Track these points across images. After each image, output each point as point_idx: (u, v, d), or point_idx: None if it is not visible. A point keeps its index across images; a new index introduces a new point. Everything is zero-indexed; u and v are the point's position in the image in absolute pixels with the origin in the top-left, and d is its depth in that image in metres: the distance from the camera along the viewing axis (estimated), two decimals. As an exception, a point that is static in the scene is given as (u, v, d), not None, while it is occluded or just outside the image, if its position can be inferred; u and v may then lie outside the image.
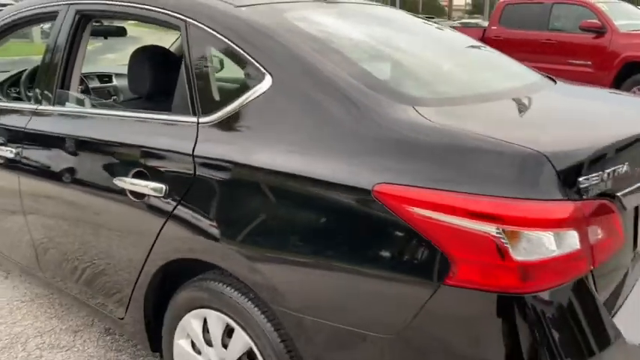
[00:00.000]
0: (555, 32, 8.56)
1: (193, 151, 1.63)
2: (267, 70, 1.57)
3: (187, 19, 1.77)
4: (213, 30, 1.70)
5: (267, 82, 1.56)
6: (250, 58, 1.61)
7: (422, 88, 1.69)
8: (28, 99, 2.42)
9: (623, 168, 1.36)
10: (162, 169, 1.72)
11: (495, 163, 1.23)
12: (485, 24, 10.34)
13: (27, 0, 2.47)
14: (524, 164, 1.22)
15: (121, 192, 1.82)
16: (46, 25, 2.29)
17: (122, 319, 2.04)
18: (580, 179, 1.24)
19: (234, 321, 1.61)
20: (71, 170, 2.04)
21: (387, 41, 2.02)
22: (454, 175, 1.24)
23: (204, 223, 1.60)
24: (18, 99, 2.90)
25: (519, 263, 1.18)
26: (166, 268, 1.77)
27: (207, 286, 1.68)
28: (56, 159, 2.10)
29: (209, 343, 1.74)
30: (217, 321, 1.68)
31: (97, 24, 2.81)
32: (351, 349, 1.38)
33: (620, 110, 1.79)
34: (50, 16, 2.30)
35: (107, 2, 2.08)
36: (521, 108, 1.63)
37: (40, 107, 2.24)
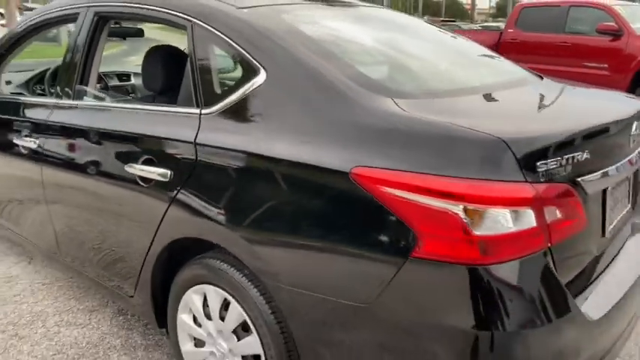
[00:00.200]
0: (572, 35, 8.57)
1: (195, 139, 1.79)
2: (262, 66, 1.71)
3: (193, 20, 1.93)
4: (215, 29, 1.86)
5: (262, 76, 1.71)
6: (247, 55, 1.76)
7: (403, 82, 1.83)
8: (51, 94, 2.60)
9: (583, 155, 1.47)
10: (167, 156, 1.88)
11: (460, 148, 1.36)
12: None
13: (53, 2, 2.67)
14: (485, 149, 1.34)
15: (132, 178, 1.98)
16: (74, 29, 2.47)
17: (132, 297, 2.20)
18: (538, 164, 1.36)
19: (230, 295, 1.76)
20: (87, 159, 2.21)
21: (376, 39, 2.16)
22: (423, 159, 1.37)
23: (204, 204, 1.75)
24: (42, 95, 3.11)
25: (479, 238, 1.30)
26: (171, 248, 1.93)
27: (207, 263, 1.83)
28: (74, 148, 2.29)
29: (208, 317, 1.89)
30: (215, 295, 1.83)
31: (117, 25, 3.02)
32: (331, 316, 1.51)
33: (591, 104, 1.89)
34: (72, 18, 2.49)
35: (122, 4, 2.25)
36: (496, 101, 1.75)
37: (61, 101, 2.42)
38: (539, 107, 1.83)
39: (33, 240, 2.77)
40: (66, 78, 2.43)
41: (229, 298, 1.78)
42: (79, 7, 2.42)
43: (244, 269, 1.71)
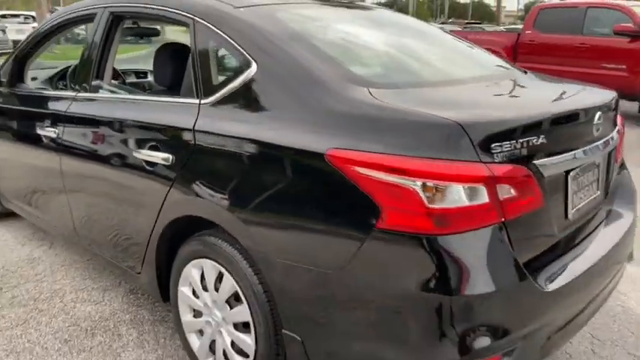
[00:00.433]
0: (589, 36, 8.57)
1: (194, 126, 1.97)
2: (253, 59, 1.89)
3: (195, 18, 2.12)
4: (213, 26, 2.04)
5: (253, 68, 1.88)
6: (241, 49, 1.93)
7: (380, 74, 1.99)
8: (71, 89, 2.82)
9: (539, 140, 1.60)
10: (169, 141, 2.07)
11: (422, 131, 1.51)
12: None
13: (73, 4, 2.90)
14: (444, 132, 1.49)
15: (139, 163, 2.18)
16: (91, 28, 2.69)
17: (139, 273, 2.40)
18: (493, 146, 1.50)
19: (224, 267, 1.94)
20: (100, 147, 2.42)
21: (360, 35, 2.32)
22: (389, 141, 1.52)
23: (200, 185, 1.93)
24: (63, 89, 3.34)
25: (435, 211, 1.45)
26: (173, 226, 2.11)
27: (204, 239, 2.01)
28: (89, 137, 2.50)
29: (205, 289, 2.07)
30: (211, 269, 2.01)
31: (135, 26, 3.24)
32: (308, 283, 1.67)
33: (557, 95, 2.01)
34: (89, 18, 2.71)
35: (134, 4, 2.46)
36: (465, 92, 1.89)
37: (79, 94, 2.64)
38: (506, 97, 1.97)
39: (53, 224, 3.00)
40: (83, 73, 2.65)
41: (223, 270, 1.95)
42: (96, 8, 2.64)
43: (236, 244, 1.89)
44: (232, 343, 2.00)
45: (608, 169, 2.12)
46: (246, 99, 1.90)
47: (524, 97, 2.03)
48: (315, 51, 1.89)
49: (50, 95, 2.95)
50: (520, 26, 18.22)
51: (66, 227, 2.86)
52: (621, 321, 2.71)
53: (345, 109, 1.64)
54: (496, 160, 1.51)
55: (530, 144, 1.59)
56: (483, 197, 1.48)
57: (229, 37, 1.99)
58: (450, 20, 40.52)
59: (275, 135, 1.73)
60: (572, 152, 1.76)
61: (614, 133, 2.12)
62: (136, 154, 2.18)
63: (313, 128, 1.66)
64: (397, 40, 2.39)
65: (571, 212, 1.82)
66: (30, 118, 2.95)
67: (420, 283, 1.47)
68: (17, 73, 3.25)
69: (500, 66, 2.42)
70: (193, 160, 1.97)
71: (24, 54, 3.22)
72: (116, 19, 2.56)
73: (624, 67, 8.17)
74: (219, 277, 1.99)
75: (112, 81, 2.70)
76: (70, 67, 3.46)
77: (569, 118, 1.77)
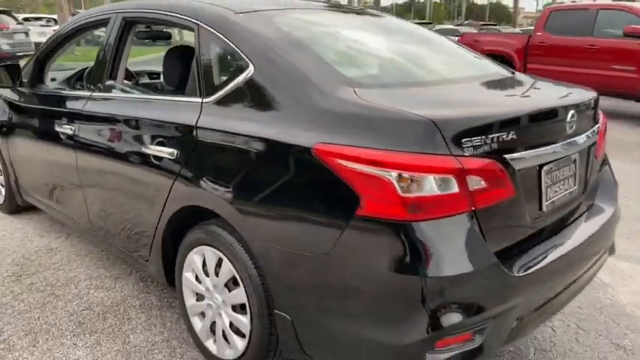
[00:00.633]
0: (600, 38, 8.60)
1: (196, 123, 2.13)
2: (250, 61, 2.05)
3: (199, 23, 2.28)
4: (215, 30, 2.20)
5: (250, 69, 2.04)
6: (240, 52, 2.09)
7: (367, 75, 2.13)
8: (87, 89, 3.01)
9: (509, 136, 1.74)
10: (174, 137, 2.24)
11: (398, 127, 1.65)
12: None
13: (90, 9, 3.09)
14: (418, 128, 1.63)
15: (148, 157, 2.35)
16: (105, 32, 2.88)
17: (147, 260, 2.57)
18: (463, 141, 1.64)
19: (223, 253, 2.10)
20: (112, 141, 2.60)
21: (353, 39, 2.47)
22: (369, 136, 1.67)
23: (201, 177, 2.10)
24: (81, 90, 3.53)
25: (409, 199, 1.59)
26: (178, 216, 2.28)
27: (206, 228, 2.18)
28: (102, 133, 2.68)
29: (206, 274, 2.23)
30: (212, 255, 2.17)
31: (147, 29, 3.43)
32: (297, 266, 1.82)
33: (533, 95, 2.14)
34: (104, 22, 2.89)
35: (145, 10, 2.65)
36: (445, 91, 2.03)
37: (94, 94, 2.82)
38: (483, 96, 2.10)
39: (70, 215, 3.19)
40: (98, 73, 2.84)
41: (222, 257, 2.12)
42: (110, 13, 2.83)
43: (234, 232, 2.05)
44: (231, 324, 2.16)
45: (587, 165, 2.23)
46: (244, 98, 2.05)
47: (501, 96, 2.16)
48: (307, 53, 2.05)
49: (68, 95, 3.15)
50: (530, 27, 18.23)
51: (81, 218, 3.04)
52: (608, 313, 2.81)
53: (331, 107, 1.79)
54: (466, 154, 1.64)
55: (501, 139, 1.72)
56: (453, 187, 1.62)
57: (229, 40, 2.15)
58: (467, 22, 40.47)
59: (269, 131, 1.88)
60: (544, 148, 1.89)
61: (593, 131, 2.23)
62: (144, 149, 2.36)
63: (303, 125, 1.82)
64: (387, 43, 2.54)
65: (545, 204, 1.95)
66: (48, 116, 3.15)
67: (394, 265, 1.61)
68: (37, 74, 3.45)
69: (487, 68, 2.55)
70: (195, 154, 2.13)
71: (44, 56, 3.43)
72: (128, 23, 2.75)
73: (634, 68, 8.20)
74: (219, 263, 2.15)
75: (125, 81, 2.88)
76: (86, 68, 3.66)
77: (541, 115, 1.90)
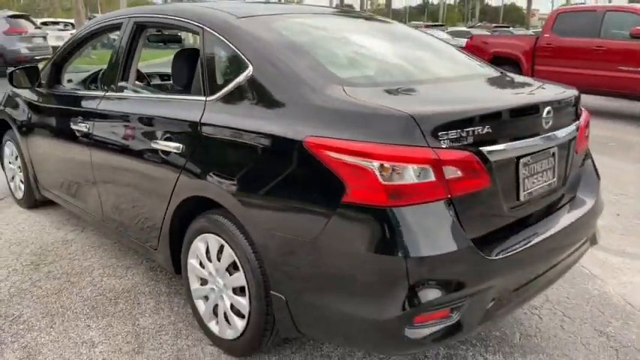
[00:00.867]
0: (606, 40, 8.67)
1: (200, 119, 2.31)
2: (250, 62, 2.22)
3: (204, 27, 2.46)
4: (218, 34, 2.38)
5: (249, 70, 2.21)
6: (240, 53, 2.26)
7: (356, 74, 2.29)
8: (101, 89, 3.20)
9: (484, 130, 1.88)
10: (181, 132, 2.41)
11: (381, 121, 1.81)
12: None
13: (104, 14, 3.29)
14: (399, 122, 1.78)
15: (156, 152, 2.53)
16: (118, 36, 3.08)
17: (156, 249, 2.75)
18: (440, 134, 1.79)
19: (224, 240, 2.27)
20: (124, 137, 2.79)
21: (347, 41, 2.63)
22: (355, 130, 1.83)
23: (204, 169, 2.27)
24: (95, 90, 3.74)
25: (389, 187, 1.75)
26: (183, 206, 2.45)
27: (209, 217, 2.35)
28: (114, 130, 2.87)
29: (209, 260, 2.40)
30: (215, 242, 2.34)
31: (158, 33, 3.62)
32: (291, 250, 1.98)
33: (513, 92, 2.28)
34: (117, 26, 3.09)
35: (155, 15, 2.84)
36: (431, 89, 2.18)
37: (107, 94, 3.02)
38: (464, 94, 2.24)
39: (85, 209, 3.39)
40: (111, 75, 3.03)
41: (224, 243, 2.28)
42: (123, 18, 3.02)
43: (234, 220, 2.21)
44: (231, 306, 2.33)
45: (567, 159, 2.37)
46: (244, 96, 2.22)
47: (482, 93, 2.30)
48: (303, 55, 2.21)
49: (83, 95, 3.35)
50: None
51: (96, 211, 3.24)
52: (594, 303, 2.94)
53: (321, 104, 1.95)
54: (443, 146, 1.79)
55: (476, 133, 1.87)
56: (430, 176, 1.77)
57: (231, 43, 2.32)
58: (479, 24, 40.45)
59: (266, 126, 2.05)
60: (520, 141, 2.03)
61: (573, 127, 2.37)
62: (153, 145, 2.54)
63: (296, 120, 1.98)
64: (379, 45, 2.70)
65: (523, 194, 2.09)
66: (65, 114, 3.34)
67: (375, 246, 1.76)
68: (55, 76, 3.66)
69: (477, 69, 2.70)
70: (200, 148, 2.31)
71: (61, 58, 3.64)
72: (139, 27, 2.93)
73: (640, 69, 8.27)
74: (221, 249, 2.32)
75: (136, 82, 3.06)
76: (101, 70, 3.87)
77: (516, 111, 2.05)
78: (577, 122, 2.43)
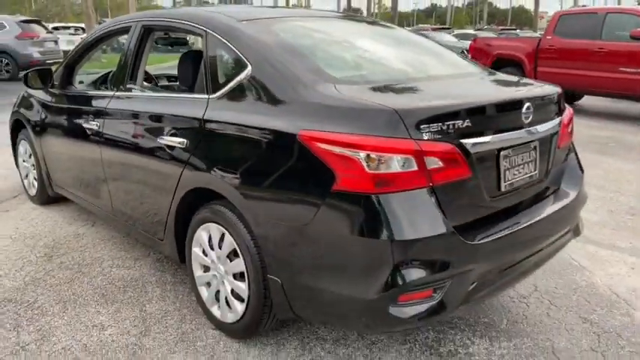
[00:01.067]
0: (608, 41, 8.77)
1: (203, 115, 2.47)
2: (249, 62, 2.38)
3: (207, 29, 2.63)
4: (220, 36, 2.54)
5: (249, 69, 2.37)
6: (240, 54, 2.42)
7: (347, 73, 2.45)
8: (111, 89, 3.37)
9: (464, 123, 2.03)
10: (185, 129, 2.58)
11: (367, 115, 1.96)
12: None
13: (114, 18, 3.46)
14: (384, 116, 1.93)
15: (162, 147, 2.69)
16: (127, 38, 3.25)
17: (162, 240, 2.91)
18: (422, 127, 1.94)
19: (225, 229, 2.42)
20: (132, 134, 2.95)
21: (342, 42, 2.79)
22: (345, 123, 1.98)
23: (206, 162, 2.43)
24: (105, 90, 3.91)
25: (375, 175, 1.90)
26: (188, 197, 2.61)
27: (211, 207, 2.50)
28: (122, 127, 3.04)
29: (212, 248, 2.56)
30: (216, 231, 2.50)
31: (165, 36, 3.79)
32: (286, 235, 2.13)
33: (495, 89, 2.42)
34: (126, 30, 3.26)
35: (161, 18, 3.02)
36: (418, 87, 2.33)
37: (116, 93, 3.19)
38: (448, 90, 2.38)
39: (96, 204, 3.56)
40: (120, 75, 3.20)
41: (225, 232, 2.44)
42: (131, 22, 3.20)
43: (235, 209, 2.37)
44: (232, 291, 2.48)
45: (549, 152, 2.50)
46: (244, 93, 2.38)
47: (466, 90, 2.44)
48: (299, 55, 2.37)
49: (94, 95, 3.53)
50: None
51: (105, 206, 3.41)
52: (581, 293, 3.06)
53: (313, 100, 2.11)
54: (425, 138, 1.94)
55: (457, 126, 2.01)
56: (412, 166, 1.91)
57: (231, 44, 2.49)
58: (486, 27, 40.54)
59: (264, 121, 2.20)
60: (500, 135, 2.17)
61: (554, 122, 2.50)
62: (160, 140, 2.70)
63: (291, 115, 2.13)
64: (374, 46, 2.85)
65: (503, 185, 2.23)
66: (76, 113, 3.52)
67: (364, 230, 1.91)
68: (67, 77, 3.84)
69: (467, 68, 2.84)
70: (203, 143, 2.47)
71: (73, 60, 3.82)
72: (147, 31, 3.10)
73: (641, 70, 8.36)
74: (222, 238, 2.48)
75: (144, 83, 3.23)
76: (110, 72, 4.05)
77: (496, 107, 2.19)
78: (559, 118, 2.56)
